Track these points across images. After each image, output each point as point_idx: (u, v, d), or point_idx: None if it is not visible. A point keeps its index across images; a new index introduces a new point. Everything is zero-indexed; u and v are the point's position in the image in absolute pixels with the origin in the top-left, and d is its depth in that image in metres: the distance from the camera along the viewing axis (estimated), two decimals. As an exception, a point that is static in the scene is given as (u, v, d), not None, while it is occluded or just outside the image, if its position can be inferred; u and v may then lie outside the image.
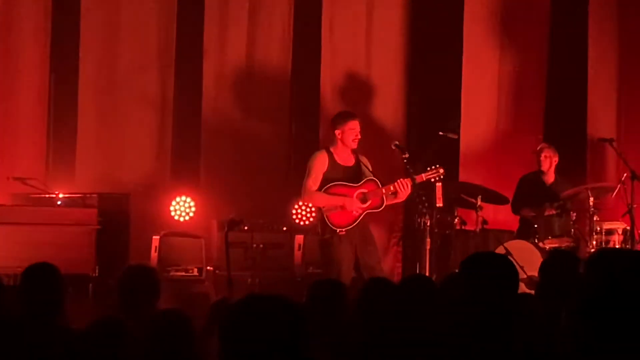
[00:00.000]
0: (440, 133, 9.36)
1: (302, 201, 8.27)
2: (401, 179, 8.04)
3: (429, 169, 8.37)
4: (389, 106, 10.77)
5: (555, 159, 9.76)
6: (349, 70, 10.83)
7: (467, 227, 9.52)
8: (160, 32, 10.60)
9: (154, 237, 9.51)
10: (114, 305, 4.56)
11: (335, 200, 8.00)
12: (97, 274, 8.94)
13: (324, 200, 8.03)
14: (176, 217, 10.14)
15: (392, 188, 8.07)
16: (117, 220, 9.36)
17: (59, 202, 9.38)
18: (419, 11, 10.89)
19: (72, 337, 4.28)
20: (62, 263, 5.02)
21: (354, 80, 10.81)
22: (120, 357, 3.96)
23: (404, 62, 10.87)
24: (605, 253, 2.25)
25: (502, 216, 10.09)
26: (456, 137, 10.00)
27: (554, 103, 10.78)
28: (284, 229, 9.88)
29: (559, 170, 9.82)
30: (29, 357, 4.21)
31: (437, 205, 8.64)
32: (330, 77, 10.78)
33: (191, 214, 10.15)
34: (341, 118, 8.28)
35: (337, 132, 8.18)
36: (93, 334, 4.06)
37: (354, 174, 8.16)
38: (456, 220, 9.36)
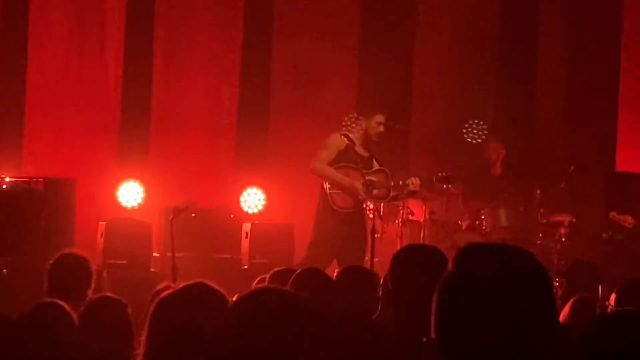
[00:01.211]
0: (389, 123, 9.35)
1: (310, 169, 8.11)
2: (413, 178, 8.04)
3: (440, 174, 8.36)
4: (340, 94, 10.74)
5: (503, 151, 9.81)
6: (300, 58, 10.79)
7: (415, 218, 9.54)
8: (111, 13, 10.48)
9: (100, 222, 9.41)
10: (43, 292, 4.49)
11: (343, 181, 7.94)
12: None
13: (333, 176, 7.95)
14: (124, 203, 10.06)
15: (400, 182, 8.06)
16: (63, 205, 9.23)
17: (4, 186, 9.24)
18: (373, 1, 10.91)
19: (8, 323, 4.22)
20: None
21: (306, 68, 10.77)
22: (59, 342, 3.91)
23: (356, 50, 10.86)
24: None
25: (450, 207, 10.12)
26: (400, 127, 10.00)
27: (503, 94, 10.84)
28: (232, 216, 9.83)
29: (506, 162, 9.87)
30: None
31: None
32: (280, 65, 10.73)
33: (139, 200, 10.07)
34: (371, 109, 8.23)
35: (363, 120, 8.15)
36: (32, 320, 4.00)
37: (365, 165, 8.10)
38: (404, 210, 9.38)
